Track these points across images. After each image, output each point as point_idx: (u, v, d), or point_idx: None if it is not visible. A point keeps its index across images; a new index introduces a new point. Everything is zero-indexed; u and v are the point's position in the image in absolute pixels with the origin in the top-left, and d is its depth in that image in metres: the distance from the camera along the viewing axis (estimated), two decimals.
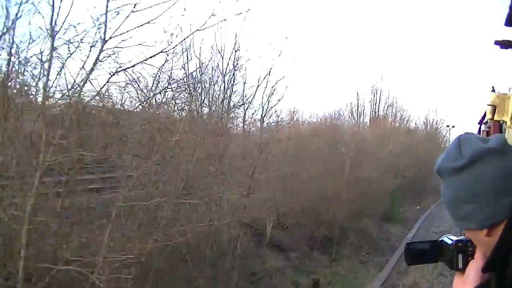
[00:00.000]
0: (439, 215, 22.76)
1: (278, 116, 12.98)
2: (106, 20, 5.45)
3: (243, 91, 11.64)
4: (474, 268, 1.12)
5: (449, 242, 1.20)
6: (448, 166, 1.11)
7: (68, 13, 5.38)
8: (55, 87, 5.69)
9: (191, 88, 9.94)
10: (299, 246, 11.88)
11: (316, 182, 13.03)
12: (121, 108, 7.84)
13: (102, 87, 5.94)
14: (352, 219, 16.02)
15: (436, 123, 39.45)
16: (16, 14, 5.85)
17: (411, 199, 28.26)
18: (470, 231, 1.12)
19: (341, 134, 18.80)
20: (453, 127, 52.37)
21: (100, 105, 6.99)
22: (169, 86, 7.53)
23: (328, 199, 12.85)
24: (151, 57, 5.92)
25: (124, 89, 7.24)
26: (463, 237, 1.18)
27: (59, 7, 5.35)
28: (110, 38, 5.46)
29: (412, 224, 19.81)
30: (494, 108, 3.33)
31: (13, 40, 5.83)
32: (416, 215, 22.96)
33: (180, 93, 8.71)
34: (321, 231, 12.52)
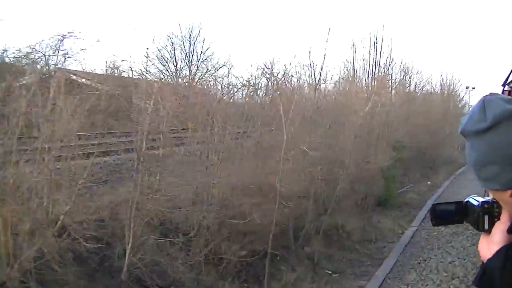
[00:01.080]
0: (454, 197, 17.41)
1: None
2: None
3: None
4: (500, 228, 1.13)
5: (475, 203, 1.19)
6: (472, 127, 1.09)
7: None
8: None
9: None
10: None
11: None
12: None
13: None
14: (324, 213, 10.91)
15: (453, 85, 33.46)
16: None
17: (420, 173, 23.00)
18: (495, 192, 1.13)
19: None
20: (473, 88, 46.79)
21: None
22: None
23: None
24: None
25: None
26: (489, 198, 1.16)
27: None
28: None
29: (415, 212, 14.51)
30: None
31: None
32: (423, 196, 17.62)
33: None
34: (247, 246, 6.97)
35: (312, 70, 11.92)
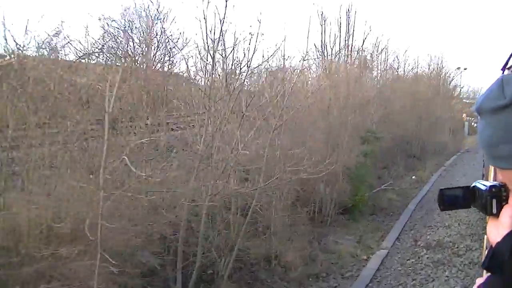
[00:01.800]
0: None
1: None
2: None
3: None
4: (508, 212, 1.12)
5: (483, 187, 1.17)
6: (489, 105, 1.05)
7: None
8: None
9: None
10: None
11: None
12: None
13: None
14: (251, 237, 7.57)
15: (441, 64, 29.97)
16: None
17: (403, 166, 19.72)
18: (506, 172, 1.09)
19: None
20: (464, 69, 43.88)
21: None
22: None
23: None
24: None
25: None
26: (496, 182, 1.15)
27: None
28: None
29: (390, 221, 11.21)
30: None
31: None
32: (403, 197, 14.33)
33: None
34: None
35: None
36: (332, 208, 10.40)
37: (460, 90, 38.66)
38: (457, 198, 1.23)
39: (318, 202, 10.38)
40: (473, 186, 1.21)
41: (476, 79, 74.61)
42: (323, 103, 10.76)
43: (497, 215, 1.14)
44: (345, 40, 18.23)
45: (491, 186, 1.15)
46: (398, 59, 25.49)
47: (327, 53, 17.91)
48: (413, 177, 17.88)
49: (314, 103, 10.59)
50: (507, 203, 1.13)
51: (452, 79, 33.62)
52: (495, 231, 1.12)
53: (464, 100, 47.92)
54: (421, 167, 20.21)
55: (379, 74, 23.52)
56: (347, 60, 18.27)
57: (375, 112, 14.69)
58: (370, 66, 22.60)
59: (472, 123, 45.24)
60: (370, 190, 12.46)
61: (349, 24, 19.24)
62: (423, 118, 23.80)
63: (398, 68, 25.75)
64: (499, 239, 1.09)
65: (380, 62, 23.42)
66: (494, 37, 71.48)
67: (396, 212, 12.24)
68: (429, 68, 29.17)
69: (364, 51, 19.40)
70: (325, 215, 10.44)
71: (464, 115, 46.48)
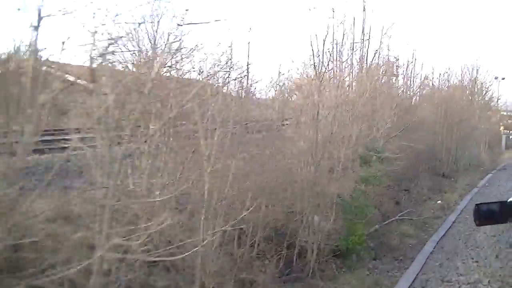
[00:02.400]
0: (470, 233, 11.11)
1: None
2: None
3: None
4: None
5: None
6: None
7: None
8: None
9: None
10: None
11: None
12: None
13: None
14: None
15: (476, 72, 26.45)
16: None
17: (429, 186, 16.67)
18: None
19: None
20: (502, 79, 40.27)
21: None
22: None
23: None
24: None
25: None
26: None
27: None
28: None
29: (397, 275, 8.29)
30: None
31: None
32: (423, 230, 11.33)
33: None
34: None
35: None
36: (316, 253, 7.64)
37: (498, 100, 34.77)
38: (493, 213, 1.30)
39: (298, 245, 7.66)
40: (510, 201, 1.29)
41: None
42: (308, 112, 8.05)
43: None
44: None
45: None
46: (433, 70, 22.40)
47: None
48: (439, 201, 14.81)
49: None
50: None
51: (489, 89, 29.97)
52: None
53: (502, 112, 44.11)
54: (450, 188, 17.06)
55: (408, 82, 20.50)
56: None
57: (388, 123, 11.70)
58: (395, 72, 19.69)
59: (510, 136, 41.18)
60: (371, 226, 9.59)
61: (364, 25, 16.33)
62: (455, 129, 20.63)
63: (429, 78, 22.59)
64: None
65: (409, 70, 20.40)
66: None
67: (408, 255, 9.31)
68: (462, 77, 25.78)
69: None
70: (309, 262, 7.70)
71: (501, 127, 42.54)
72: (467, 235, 10.73)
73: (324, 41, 8.34)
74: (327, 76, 8.92)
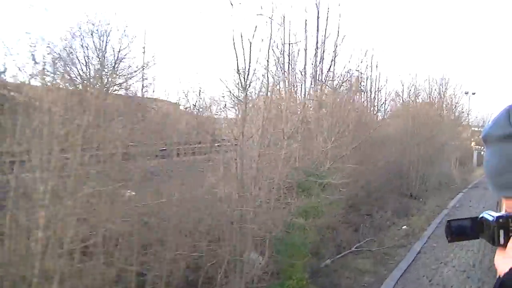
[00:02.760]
0: (439, 265, 9.69)
1: None
2: None
3: None
4: None
5: (490, 218, 1.13)
6: (496, 133, 1.06)
7: None
8: None
9: None
10: None
11: None
12: None
13: None
14: None
15: (445, 86, 25.45)
16: None
17: (394, 208, 15.24)
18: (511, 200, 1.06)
19: None
20: (473, 94, 39.87)
21: None
22: None
23: None
24: None
25: None
26: (504, 212, 1.12)
27: None
28: None
29: None
30: None
31: None
32: (382, 263, 9.82)
33: None
34: None
35: None
36: None
37: (468, 115, 34.05)
38: (465, 229, 1.19)
39: None
40: (481, 217, 1.16)
41: (487, 105, 69.77)
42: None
43: (504, 246, 1.11)
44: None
45: (498, 217, 1.13)
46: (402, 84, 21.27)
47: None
48: (404, 226, 13.37)
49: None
50: None
51: (458, 104, 29.10)
52: (502, 262, 1.11)
53: (473, 128, 43.72)
54: (418, 211, 15.66)
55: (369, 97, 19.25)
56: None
57: (331, 143, 10.23)
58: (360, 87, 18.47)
59: (482, 152, 40.56)
60: (322, 261, 8.05)
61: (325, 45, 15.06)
62: (424, 146, 19.40)
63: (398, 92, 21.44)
64: (506, 269, 1.08)
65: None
66: (505, 61, 67.31)
67: None
68: (430, 91, 24.75)
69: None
70: None
71: (473, 143, 41.98)
72: (433, 270, 9.27)
73: (250, 43, 6.80)
74: (259, 88, 7.45)
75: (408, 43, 52.47)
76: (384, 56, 38.48)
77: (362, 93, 18.82)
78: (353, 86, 18.13)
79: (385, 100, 18.98)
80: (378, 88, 18.68)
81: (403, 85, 20.34)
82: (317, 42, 13.67)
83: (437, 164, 22.44)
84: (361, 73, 17.97)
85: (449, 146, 25.07)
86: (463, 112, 32.28)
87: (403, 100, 22.31)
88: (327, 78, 13.31)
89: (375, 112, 18.70)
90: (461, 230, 1.20)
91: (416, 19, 55.45)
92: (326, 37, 13.92)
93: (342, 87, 13.43)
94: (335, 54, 13.83)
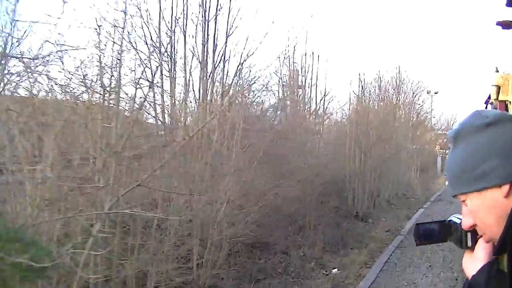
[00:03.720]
0: None
1: None
2: None
3: None
4: (483, 245, 1.14)
5: (458, 221, 1.20)
6: (470, 125, 1.09)
7: None
8: None
9: None
10: None
11: None
12: None
13: None
14: None
15: (399, 78, 21.41)
16: None
17: (327, 240, 10.82)
18: (485, 193, 1.07)
19: None
20: (435, 93, 36.80)
21: None
22: None
23: None
24: None
25: None
26: None
27: None
28: None
29: None
30: (498, 89, 1.99)
31: None
32: None
33: None
34: None
35: None
36: None
37: (432, 116, 30.43)
38: (433, 232, 1.22)
39: None
40: (449, 220, 1.22)
41: (451, 106, 67.31)
42: None
43: (472, 248, 1.17)
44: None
45: None
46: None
47: None
48: (334, 270, 9.07)
49: None
50: (481, 236, 1.14)
51: (416, 102, 25.28)
52: (470, 264, 1.16)
53: (438, 131, 40.41)
54: (360, 241, 11.40)
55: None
56: None
57: None
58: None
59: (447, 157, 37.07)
60: None
61: None
62: (372, 153, 15.24)
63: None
64: (474, 272, 1.13)
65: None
66: (467, 61, 65.36)
67: None
68: (381, 88, 20.66)
69: None
70: None
71: (437, 147, 38.53)
72: None
73: None
74: None
75: (360, 42, 48.82)
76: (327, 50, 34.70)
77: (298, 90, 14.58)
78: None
79: (323, 99, 14.59)
80: (315, 84, 14.38)
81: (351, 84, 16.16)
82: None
83: (393, 173, 18.41)
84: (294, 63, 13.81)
85: (408, 151, 21.14)
86: (426, 113, 28.72)
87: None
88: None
89: (309, 115, 14.37)
90: (429, 234, 1.22)
91: (368, 17, 52.34)
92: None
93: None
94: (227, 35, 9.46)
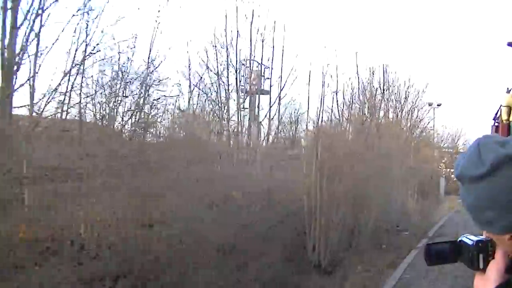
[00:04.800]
0: None
1: None
2: None
3: None
4: (495, 267, 1.12)
5: (469, 242, 1.16)
6: (469, 173, 1.06)
7: None
8: None
9: None
10: None
11: None
12: None
13: None
14: None
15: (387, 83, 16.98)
16: None
17: None
18: (493, 235, 1.09)
19: None
20: (438, 105, 32.60)
21: None
22: None
23: None
24: None
25: None
26: (483, 237, 1.14)
27: None
28: None
29: None
30: (509, 109, 2.83)
31: None
32: None
33: None
34: None
35: None
36: None
37: (429, 128, 26.07)
38: (443, 253, 1.20)
39: None
40: (460, 241, 1.19)
41: (455, 119, 62.67)
42: None
43: (484, 270, 1.14)
44: None
45: (478, 241, 1.14)
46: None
47: None
48: None
49: None
50: (493, 258, 1.13)
51: (415, 111, 20.96)
52: (482, 286, 1.13)
53: (442, 147, 36.04)
54: None
55: None
56: None
57: None
58: None
59: (453, 177, 32.47)
60: None
61: None
62: (341, 177, 10.93)
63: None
64: None
65: None
66: (473, 73, 61.10)
67: None
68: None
69: None
70: None
71: (442, 165, 34.06)
72: None
73: None
74: None
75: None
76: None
77: None
78: None
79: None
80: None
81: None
82: None
83: (380, 198, 14.06)
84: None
85: (401, 172, 16.79)
86: (425, 127, 24.37)
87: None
88: None
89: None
90: (440, 254, 1.19)
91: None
92: None
93: None
94: None
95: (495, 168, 1.00)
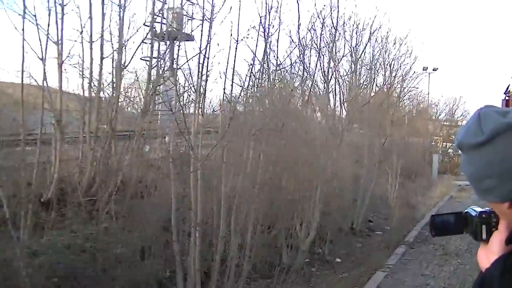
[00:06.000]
0: None
1: None
2: None
3: None
4: (498, 238, 1.11)
5: (473, 213, 1.16)
6: (468, 141, 1.05)
7: None
8: None
9: None
10: None
11: None
12: None
13: None
14: None
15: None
16: None
17: None
18: (493, 204, 1.09)
19: None
20: (434, 70, 28.85)
21: None
22: None
23: None
24: None
25: None
26: (487, 208, 1.14)
27: None
28: None
29: None
30: None
31: None
32: None
33: None
34: None
35: None
36: None
37: (429, 99, 21.65)
38: (449, 224, 1.19)
39: None
40: (465, 212, 1.18)
41: (453, 85, 58.19)
42: None
43: (487, 241, 1.12)
44: None
45: (481, 212, 1.14)
46: None
47: None
48: None
49: None
50: (497, 229, 1.11)
51: (405, 74, 16.40)
52: (484, 257, 1.12)
53: (437, 119, 32.00)
54: None
55: None
56: None
57: None
58: None
59: (451, 152, 28.26)
60: None
61: None
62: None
63: None
64: (488, 265, 1.09)
65: None
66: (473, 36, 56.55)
67: None
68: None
69: None
70: None
71: (438, 139, 29.89)
72: None
73: None
74: None
75: None
76: None
77: None
78: None
79: None
80: None
81: None
82: None
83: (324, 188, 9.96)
84: None
85: (376, 150, 12.61)
86: (415, 87, 19.88)
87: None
88: None
89: None
90: (445, 225, 1.17)
91: None
92: None
93: None
94: None
95: (494, 136, 0.99)
